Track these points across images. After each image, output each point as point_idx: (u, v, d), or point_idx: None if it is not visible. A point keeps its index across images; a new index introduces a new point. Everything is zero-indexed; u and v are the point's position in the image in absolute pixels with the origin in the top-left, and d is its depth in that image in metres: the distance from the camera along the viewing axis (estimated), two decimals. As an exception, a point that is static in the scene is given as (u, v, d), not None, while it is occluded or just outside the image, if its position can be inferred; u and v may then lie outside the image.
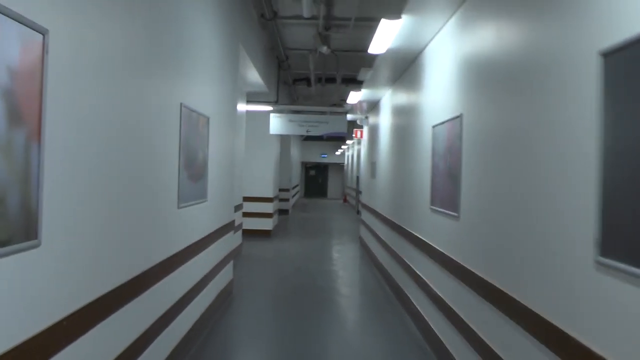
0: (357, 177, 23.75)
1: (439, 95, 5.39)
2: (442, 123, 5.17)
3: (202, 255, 5.57)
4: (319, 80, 15.68)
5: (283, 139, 21.46)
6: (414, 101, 6.88)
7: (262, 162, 13.88)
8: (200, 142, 5.20)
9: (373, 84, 8.97)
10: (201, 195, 5.36)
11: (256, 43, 9.85)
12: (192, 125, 4.88)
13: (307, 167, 38.24)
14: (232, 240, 7.77)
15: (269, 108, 12.32)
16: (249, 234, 13.48)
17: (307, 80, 15.64)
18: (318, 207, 27.89)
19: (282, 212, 21.09)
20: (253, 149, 13.64)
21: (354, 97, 9.46)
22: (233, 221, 7.73)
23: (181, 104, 4.50)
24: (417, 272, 6.13)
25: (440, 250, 5.05)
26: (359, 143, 24.12)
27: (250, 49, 9.07)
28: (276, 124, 12.39)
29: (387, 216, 8.89)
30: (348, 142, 27.18)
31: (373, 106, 11.47)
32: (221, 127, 6.43)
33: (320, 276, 9.20)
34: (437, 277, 5.20)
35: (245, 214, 13.38)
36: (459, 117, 4.58)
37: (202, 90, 5.29)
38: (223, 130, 6.63)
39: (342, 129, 12.32)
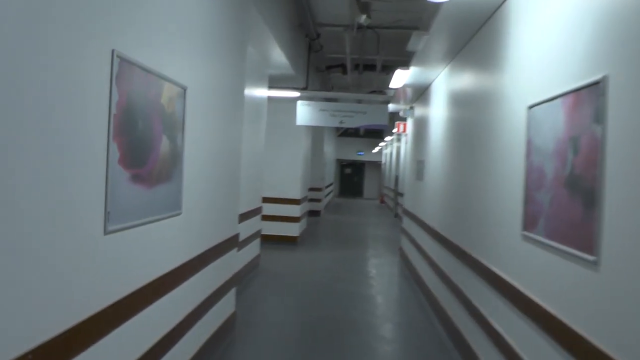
0: (396, 177, 21.70)
1: (546, 52, 3.39)
2: (552, 99, 3.17)
3: (172, 295, 3.69)
4: (356, 67, 13.70)
5: (315, 134, 19.56)
6: (488, 77, 4.87)
7: (287, 158, 11.97)
8: (163, 123, 3.31)
9: (424, 60, 6.98)
10: (167, 207, 3.47)
11: (279, 14, 7.95)
12: (144, 93, 2.99)
13: (342, 165, 36.24)
14: (233, 260, 5.89)
15: (296, 94, 10.39)
16: (270, 241, 11.61)
17: (343, 67, 13.68)
18: (353, 209, 25.91)
19: (313, 213, 19.19)
20: (277, 142, 11.75)
21: (400, 77, 7.47)
22: (236, 236, 5.84)
23: (114, 51, 2.62)
24: (493, 324, 4.14)
25: (550, 311, 3.05)
26: (398, 140, 22.04)
27: (271, 19, 7.17)
28: (304, 113, 10.48)
29: (438, 230, 6.89)
30: (387, 138, 25.10)
31: (421, 93, 9.45)
32: (213, 106, 4.55)
33: (353, 304, 7.25)
34: (535, 347, 3.22)
35: (266, 217, 11.51)
36: (599, 82, 2.59)
37: (168, 41, 3.39)
38: (219, 112, 4.74)
39: (383, 120, 10.33)
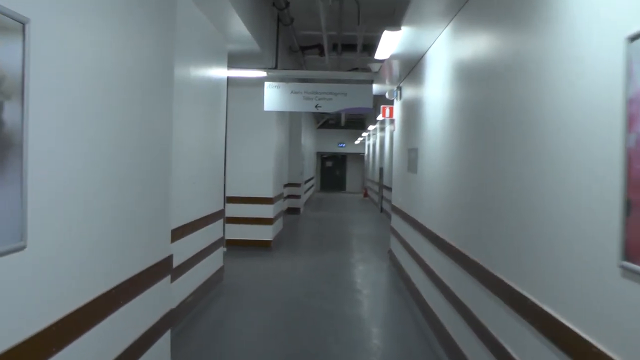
0: (381, 170, 20.20)
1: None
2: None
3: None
4: (334, 47, 12.13)
5: (293, 125, 17.96)
6: (526, 29, 3.32)
7: (257, 151, 10.35)
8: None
9: (418, 20, 5.43)
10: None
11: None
12: None
13: (323, 157, 34.64)
14: (165, 294, 4.29)
15: (263, 74, 8.77)
16: (239, 246, 10.02)
17: (320, 48, 12.11)
18: (335, 203, 24.36)
19: (291, 211, 17.61)
20: (244, 133, 10.14)
21: (389, 41, 5.88)
22: (165, 260, 4.21)
23: None
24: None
25: None
26: (382, 129, 20.53)
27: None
28: (273, 96, 8.88)
29: (443, 237, 5.35)
30: (370, 128, 23.56)
31: (411, 67, 7.88)
32: (104, 70, 2.94)
33: (334, 332, 5.69)
34: None
35: (232, 220, 9.92)
36: None
37: None
38: (116, 81, 3.13)
39: (366, 102, 8.77)
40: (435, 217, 5.82)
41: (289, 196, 17.64)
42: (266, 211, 10.23)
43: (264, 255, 9.91)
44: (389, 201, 16.97)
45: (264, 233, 10.26)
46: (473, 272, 4.14)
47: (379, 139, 22.47)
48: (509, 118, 3.51)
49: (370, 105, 8.95)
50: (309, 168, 24.73)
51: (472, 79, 4.51)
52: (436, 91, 6.01)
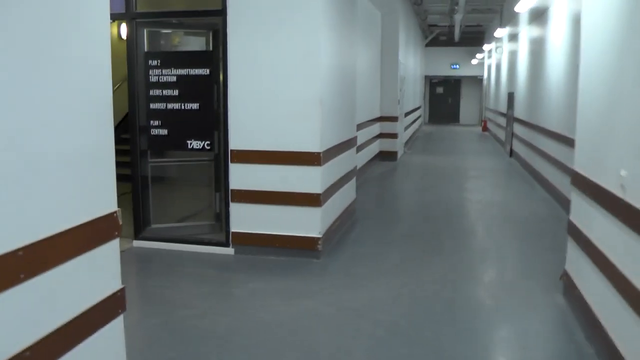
0: (510, 95, 14.69)
1: None
2: None
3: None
4: None
5: (385, 40, 12.81)
6: None
7: (283, 62, 5.50)
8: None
9: None
10: None
11: None
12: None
13: (432, 83, 28.96)
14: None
15: None
16: (250, 247, 5.50)
17: None
18: (447, 141, 19.13)
19: (385, 156, 12.77)
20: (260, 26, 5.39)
21: None
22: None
23: None
24: None
25: None
26: (513, 39, 14.89)
27: None
28: None
29: None
30: (491, 44, 17.79)
31: None
32: None
33: None
34: None
35: (238, 196, 5.44)
36: None
37: None
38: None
39: None
40: None
41: (381, 135, 12.76)
42: (307, 179, 5.47)
43: (307, 269, 5.36)
44: (520, 139, 11.70)
45: (302, 223, 5.52)
46: None
47: (506, 55, 16.77)
48: None
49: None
50: (414, 96, 19.49)
51: None
52: None
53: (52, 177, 2.28)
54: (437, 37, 23.65)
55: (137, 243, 5.98)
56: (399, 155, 13.36)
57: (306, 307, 4.44)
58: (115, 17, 5.99)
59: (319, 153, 5.41)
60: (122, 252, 5.66)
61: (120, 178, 2.96)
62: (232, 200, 5.62)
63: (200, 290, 4.80)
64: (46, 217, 2.24)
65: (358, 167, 8.20)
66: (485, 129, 22.73)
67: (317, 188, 5.46)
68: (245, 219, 5.62)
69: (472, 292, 4.87)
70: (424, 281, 5.05)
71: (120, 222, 2.75)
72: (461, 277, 5.20)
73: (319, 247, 5.48)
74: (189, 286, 4.92)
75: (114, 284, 2.74)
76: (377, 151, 12.45)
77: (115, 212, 2.70)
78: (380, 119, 12.62)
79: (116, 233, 2.71)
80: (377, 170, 11.47)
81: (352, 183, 7.27)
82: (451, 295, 4.76)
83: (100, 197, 2.64)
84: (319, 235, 5.48)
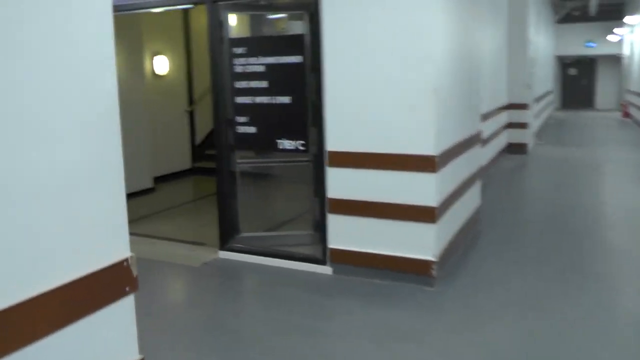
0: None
1: None
2: None
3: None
4: None
5: (513, 19, 11.30)
6: None
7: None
8: None
9: None
10: None
11: None
12: None
13: (564, 64, 26.41)
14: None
15: None
16: (351, 267, 4.54)
17: None
18: (582, 130, 17.07)
19: (513, 149, 11.33)
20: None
21: None
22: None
23: None
24: None
25: None
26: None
27: None
28: None
29: None
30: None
31: None
32: None
33: None
34: None
35: (337, 206, 4.50)
36: None
37: None
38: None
39: None
40: None
41: (510, 125, 11.35)
42: (419, 188, 4.42)
43: (399, 307, 4.34)
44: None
45: (412, 241, 4.48)
46: None
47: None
48: None
49: None
50: (545, 79, 17.59)
51: None
52: None
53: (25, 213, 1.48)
54: (569, 14, 21.36)
55: (222, 254, 5.27)
56: (529, 147, 11.84)
57: (407, 357, 3.44)
58: (195, 1, 5.27)
59: (433, 157, 4.33)
60: (204, 264, 5.14)
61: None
62: (330, 211, 4.72)
63: (283, 322, 3.95)
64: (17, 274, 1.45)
65: (482, 165, 7.02)
66: (626, 114, 20.20)
67: (431, 200, 4.39)
68: (345, 233, 4.69)
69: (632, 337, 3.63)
70: (568, 318, 3.88)
71: (135, 274, 1.92)
72: (612, 314, 3.96)
73: (433, 272, 4.42)
74: (270, 314, 4.09)
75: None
76: (504, 144, 11.07)
77: (126, 259, 1.88)
78: (509, 106, 11.20)
79: (127, 288, 1.89)
80: (504, 166, 10.11)
81: (476, 187, 6.10)
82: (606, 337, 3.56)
83: (104, 238, 1.82)
84: (434, 259, 4.41)
